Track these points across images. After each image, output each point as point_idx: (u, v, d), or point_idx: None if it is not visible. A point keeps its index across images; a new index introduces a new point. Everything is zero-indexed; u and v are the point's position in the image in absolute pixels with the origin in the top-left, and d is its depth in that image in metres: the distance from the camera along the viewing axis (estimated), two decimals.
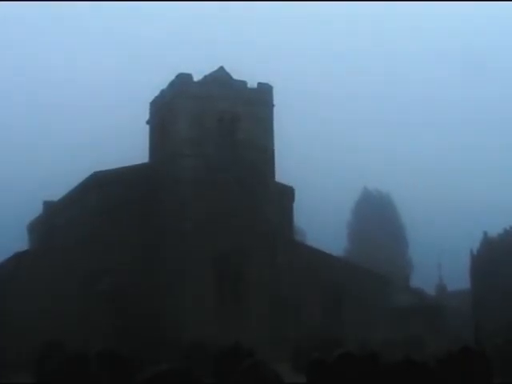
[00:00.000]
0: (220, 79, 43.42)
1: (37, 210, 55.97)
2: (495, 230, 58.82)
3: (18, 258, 42.38)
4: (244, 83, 44.04)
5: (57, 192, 51.58)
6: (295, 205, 47.21)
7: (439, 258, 71.99)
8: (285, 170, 45.75)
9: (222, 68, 44.27)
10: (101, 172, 43.51)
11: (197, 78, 43.34)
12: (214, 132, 42.56)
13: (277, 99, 44.90)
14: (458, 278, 61.62)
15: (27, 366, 23.76)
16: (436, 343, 33.89)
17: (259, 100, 43.80)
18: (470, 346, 13.61)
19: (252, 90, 44.13)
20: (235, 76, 44.09)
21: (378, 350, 12.48)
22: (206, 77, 43.67)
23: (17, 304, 38.80)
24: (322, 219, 78.88)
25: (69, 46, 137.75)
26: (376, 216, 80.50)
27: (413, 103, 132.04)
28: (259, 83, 44.50)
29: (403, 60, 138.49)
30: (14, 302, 38.94)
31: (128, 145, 60.00)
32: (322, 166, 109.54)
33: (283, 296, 41.83)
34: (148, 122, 46.94)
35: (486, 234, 58.26)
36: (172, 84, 43.62)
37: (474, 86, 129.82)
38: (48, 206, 53.96)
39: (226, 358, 18.87)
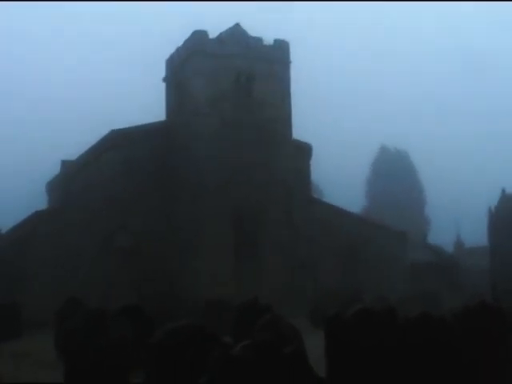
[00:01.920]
0: (236, 36, 43.07)
1: (55, 169, 56.32)
2: None
3: (38, 216, 42.72)
4: (260, 40, 43.65)
5: (74, 151, 51.71)
6: (312, 162, 47.19)
7: (457, 215, 71.93)
8: (302, 127, 45.61)
9: (237, 25, 43.89)
10: (118, 130, 43.48)
11: (212, 35, 43.02)
12: (230, 90, 42.34)
13: (293, 55, 44.55)
14: (477, 235, 61.56)
15: (48, 322, 24.11)
16: (453, 299, 33.94)
17: (275, 57, 43.46)
18: (487, 301, 13.62)
19: (268, 46, 43.76)
20: (251, 33, 43.71)
21: (396, 306, 12.53)
22: (221, 34, 43.34)
23: (37, 262, 39.23)
24: (339, 177, 78.90)
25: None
26: (394, 173, 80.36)
27: (431, 54, 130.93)
28: (275, 40, 44.11)
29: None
30: (34, 260, 39.36)
31: (145, 102, 59.96)
32: (339, 122, 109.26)
33: (300, 254, 41.96)
34: (164, 80, 46.78)
35: (504, 191, 57.99)
36: (187, 41, 43.33)
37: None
38: (66, 165, 54.18)
39: (245, 312, 19.00)
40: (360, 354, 11.29)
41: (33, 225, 41.79)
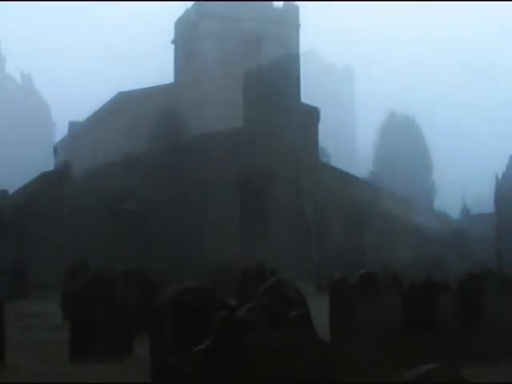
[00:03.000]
0: None
1: (63, 130, 56.31)
2: None
3: (44, 178, 42.70)
4: (270, 3, 43.32)
5: (82, 113, 51.61)
6: (320, 126, 47.00)
7: (464, 182, 71.73)
8: (310, 91, 45.35)
9: None
10: (125, 92, 43.36)
11: None
12: (239, 53, 42.10)
13: (302, 19, 44.21)
14: (483, 202, 61.50)
15: (55, 285, 24.22)
16: (458, 265, 34.00)
17: (285, 20, 43.13)
18: (492, 268, 13.69)
19: (278, 9, 43.42)
20: None
21: (400, 272, 12.60)
22: None
23: (43, 224, 39.29)
24: (347, 141, 78.76)
25: None
26: (401, 139, 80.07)
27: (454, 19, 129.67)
28: (285, 3, 43.76)
29: None
30: (40, 222, 39.40)
31: (153, 65, 59.69)
32: (347, 86, 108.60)
33: (306, 218, 42.00)
34: (173, 42, 46.52)
35: (511, 157, 57.79)
36: (197, 4, 43.01)
37: None
38: (73, 126, 54.09)
39: (250, 276, 19.12)
40: (364, 318, 11.37)
41: (39, 186, 41.78)
